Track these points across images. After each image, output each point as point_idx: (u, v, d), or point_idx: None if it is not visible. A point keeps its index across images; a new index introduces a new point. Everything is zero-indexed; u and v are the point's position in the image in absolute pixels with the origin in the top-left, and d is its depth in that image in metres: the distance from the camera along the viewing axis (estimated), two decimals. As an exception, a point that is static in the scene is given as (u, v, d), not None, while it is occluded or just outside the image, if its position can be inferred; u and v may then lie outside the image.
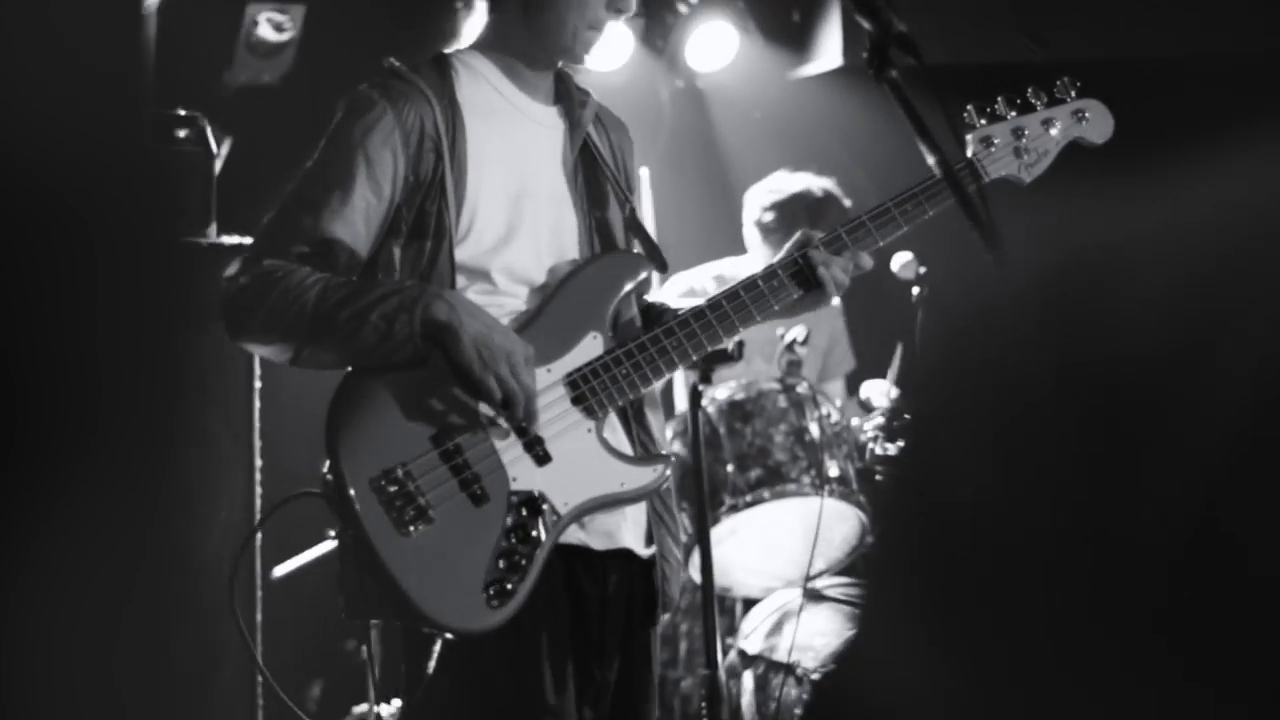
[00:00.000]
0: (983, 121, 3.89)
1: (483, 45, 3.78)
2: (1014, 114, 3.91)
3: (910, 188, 3.79)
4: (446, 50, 3.79)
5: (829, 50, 7.73)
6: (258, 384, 5.87)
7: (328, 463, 3.50)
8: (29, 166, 1.08)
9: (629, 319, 3.79)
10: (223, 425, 5.83)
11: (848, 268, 3.76)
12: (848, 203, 6.24)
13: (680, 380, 6.12)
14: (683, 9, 7.73)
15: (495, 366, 3.46)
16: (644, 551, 3.76)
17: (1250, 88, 7.17)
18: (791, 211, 6.16)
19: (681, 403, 6.09)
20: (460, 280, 3.59)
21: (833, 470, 5.34)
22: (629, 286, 3.74)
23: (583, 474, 3.59)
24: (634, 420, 3.75)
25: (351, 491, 3.44)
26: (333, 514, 3.51)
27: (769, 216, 6.26)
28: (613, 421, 3.70)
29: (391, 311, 3.43)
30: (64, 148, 1.08)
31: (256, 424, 5.88)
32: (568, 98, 3.83)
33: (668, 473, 3.69)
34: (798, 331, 5.38)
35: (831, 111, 7.86)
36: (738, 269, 6.27)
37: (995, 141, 3.87)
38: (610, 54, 7.64)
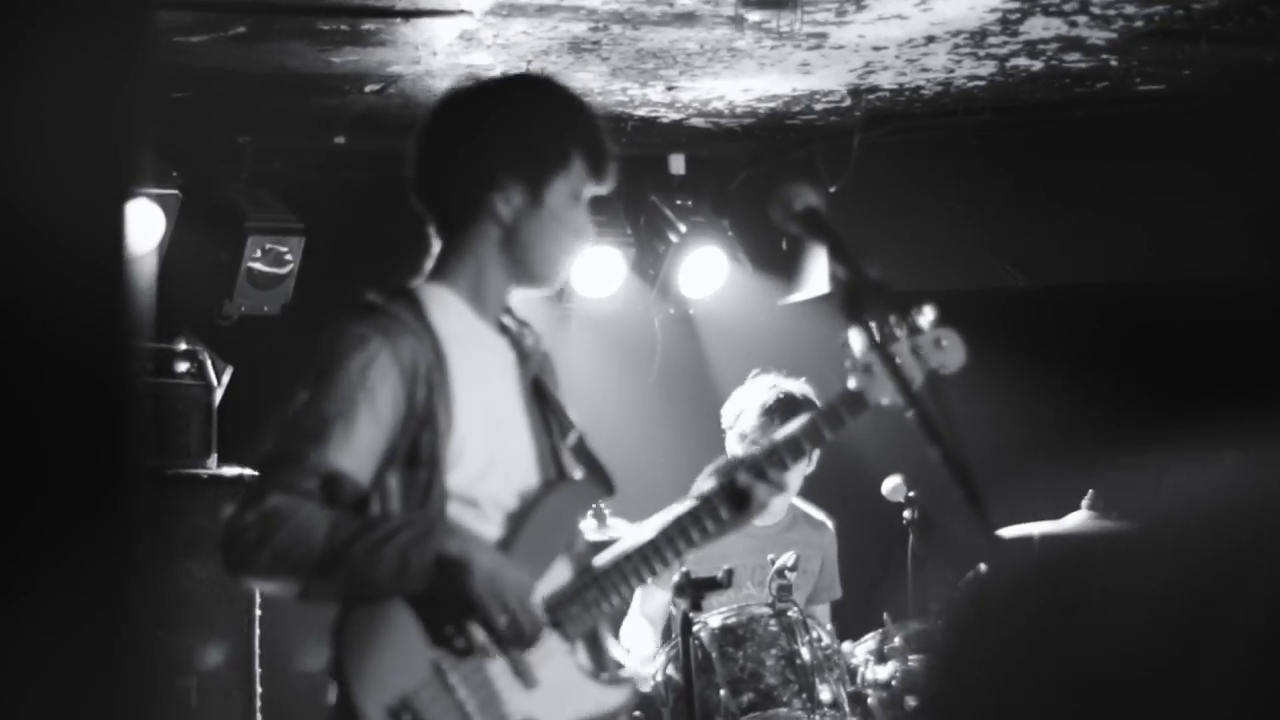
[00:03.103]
0: (856, 351, 4.02)
1: (445, 276, 3.85)
2: (884, 344, 3.99)
3: (811, 418, 4.06)
4: (409, 285, 3.86)
5: (816, 277, 7.89)
6: (258, 613, 5.92)
7: (335, 692, 3.59)
8: (25, 403, 1.14)
9: (582, 545, 3.94)
10: (222, 655, 5.87)
11: (770, 489, 3.95)
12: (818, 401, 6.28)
13: (672, 608, 6.16)
14: (673, 238, 7.91)
15: (505, 599, 3.60)
16: None
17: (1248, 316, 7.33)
18: (772, 415, 6.22)
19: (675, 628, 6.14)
20: (453, 507, 3.68)
21: (824, 694, 5.38)
22: (585, 513, 4.00)
23: (566, 696, 3.76)
24: (591, 641, 3.89)
25: None
26: None
27: (751, 422, 6.29)
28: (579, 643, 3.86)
29: (405, 545, 3.53)
30: (58, 384, 1.14)
31: (257, 653, 5.91)
32: (512, 327, 3.94)
33: (631, 694, 3.89)
34: (787, 558, 5.46)
35: (820, 337, 7.99)
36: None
37: (874, 370, 4.01)
38: (602, 281, 7.81)
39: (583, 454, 3.99)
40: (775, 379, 6.40)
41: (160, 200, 6.65)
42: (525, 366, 3.92)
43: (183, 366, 6.18)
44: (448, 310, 3.80)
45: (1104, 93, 7.38)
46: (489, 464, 3.75)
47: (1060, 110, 7.63)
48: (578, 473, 3.96)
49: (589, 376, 8.27)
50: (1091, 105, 7.55)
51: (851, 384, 4.09)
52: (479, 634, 3.63)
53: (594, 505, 3.97)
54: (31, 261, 1.13)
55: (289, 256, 7.06)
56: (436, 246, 3.91)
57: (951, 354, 4.28)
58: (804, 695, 5.36)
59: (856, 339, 3.96)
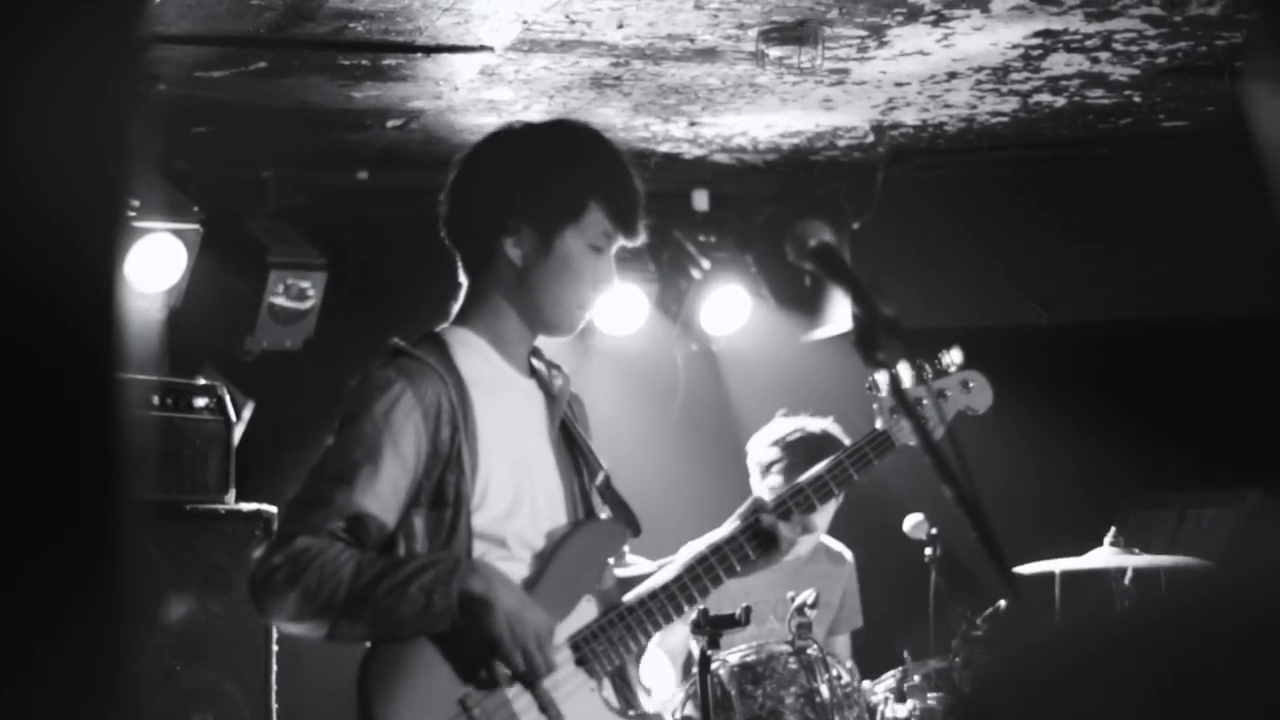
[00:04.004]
0: (883, 393, 4.14)
1: (469, 320, 3.91)
2: (911, 386, 4.12)
3: (837, 459, 4.12)
4: (435, 329, 3.92)
5: (839, 314, 7.87)
6: (274, 648, 5.91)
7: None
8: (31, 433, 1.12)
9: (610, 583, 3.96)
10: (239, 689, 5.86)
11: (796, 529, 4.00)
12: (846, 440, 6.29)
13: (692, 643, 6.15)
14: (696, 274, 7.90)
15: (524, 641, 3.62)
16: None
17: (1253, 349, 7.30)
18: (792, 449, 6.22)
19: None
20: (478, 547, 3.71)
21: (844, 732, 5.35)
22: (613, 553, 3.99)
23: None
24: (618, 677, 3.91)
25: None
26: None
27: (772, 454, 6.32)
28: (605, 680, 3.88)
29: (429, 584, 3.56)
30: (37, 416, 1.12)
31: (274, 687, 5.90)
32: (541, 369, 3.99)
33: None
34: (808, 595, 5.44)
35: (843, 374, 7.97)
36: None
37: (901, 413, 4.09)
38: (625, 318, 7.79)
39: (609, 495, 4.02)
40: (802, 419, 6.41)
41: (182, 235, 6.65)
42: (553, 408, 3.95)
43: (202, 401, 6.17)
44: (472, 353, 3.85)
45: (1127, 129, 7.37)
46: (514, 504, 3.78)
47: (1084, 146, 7.62)
48: (605, 513, 3.98)
49: (612, 413, 8.25)
50: (1115, 141, 7.53)
51: (879, 425, 4.16)
52: (503, 671, 3.66)
53: (621, 545, 4.00)
54: (12, 290, 1.11)
55: (311, 292, 7.06)
56: (463, 290, 3.96)
57: (979, 396, 4.32)
58: (823, 733, 5.33)
59: (883, 381, 4.00)
